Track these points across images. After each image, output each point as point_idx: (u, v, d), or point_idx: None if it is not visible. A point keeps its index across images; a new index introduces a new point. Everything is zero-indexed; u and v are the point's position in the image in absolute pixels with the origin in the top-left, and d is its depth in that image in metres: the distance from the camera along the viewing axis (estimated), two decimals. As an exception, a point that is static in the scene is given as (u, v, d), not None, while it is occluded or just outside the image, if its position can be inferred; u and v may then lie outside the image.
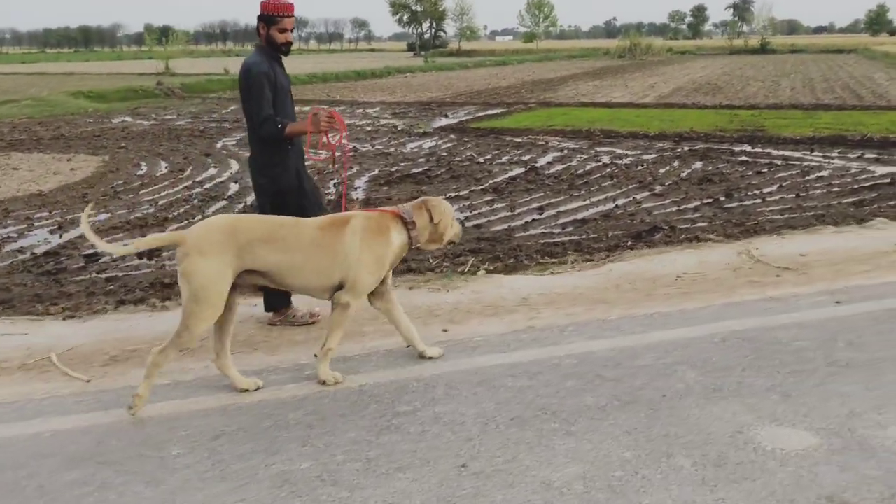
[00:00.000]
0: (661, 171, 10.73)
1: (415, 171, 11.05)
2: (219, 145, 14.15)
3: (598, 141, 13.81)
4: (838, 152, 12.04)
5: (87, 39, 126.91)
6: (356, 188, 9.94)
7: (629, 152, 12.46)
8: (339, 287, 3.84)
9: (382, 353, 4.38)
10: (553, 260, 6.25)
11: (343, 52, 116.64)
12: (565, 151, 12.69)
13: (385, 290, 4.04)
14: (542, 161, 11.79)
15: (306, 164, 4.89)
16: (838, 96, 22.06)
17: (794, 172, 10.37)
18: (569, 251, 6.39)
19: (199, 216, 8.25)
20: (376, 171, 11.04)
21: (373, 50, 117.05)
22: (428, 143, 14.09)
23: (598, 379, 3.96)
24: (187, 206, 8.93)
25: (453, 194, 9.36)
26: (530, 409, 3.63)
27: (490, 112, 19.65)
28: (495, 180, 10.24)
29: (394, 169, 11.17)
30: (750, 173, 10.38)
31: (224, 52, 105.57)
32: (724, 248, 6.52)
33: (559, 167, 11.21)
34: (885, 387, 3.81)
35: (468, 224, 7.81)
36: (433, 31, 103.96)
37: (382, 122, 17.94)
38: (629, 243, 6.78)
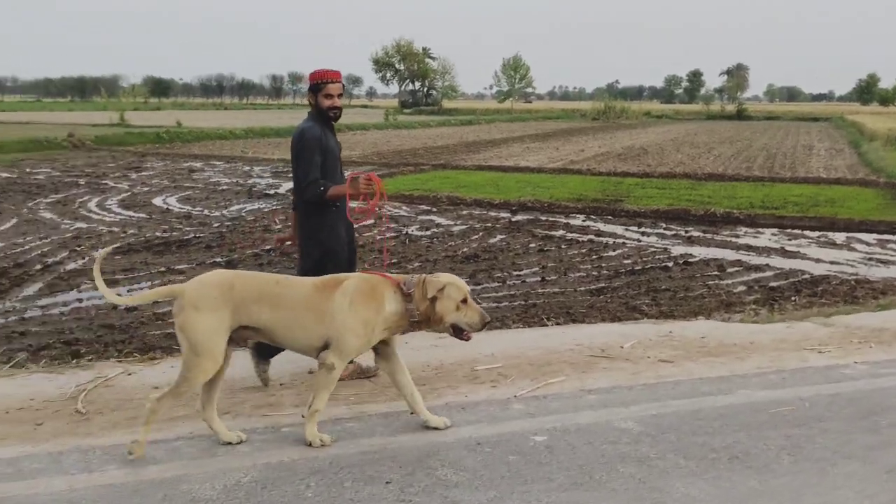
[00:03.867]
0: (448, 244, 9.83)
1: (180, 237, 10.16)
2: (30, 204, 13.32)
3: (437, 209, 12.95)
4: (663, 228, 11.17)
5: (83, 89, 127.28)
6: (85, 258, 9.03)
7: (447, 222, 11.60)
8: (325, 347, 3.77)
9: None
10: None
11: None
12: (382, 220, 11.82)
13: (391, 353, 3.97)
14: (339, 230, 10.90)
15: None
16: (748, 167, 21.27)
17: (583, 251, 9.47)
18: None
19: None
20: (132, 239, 10.10)
21: (365, 106, 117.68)
22: (251, 207, 13.25)
23: None
24: None
25: (182, 266, 8.47)
26: None
27: (376, 173, 18.86)
28: (257, 251, 9.35)
29: (156, 234, 10.31)
30: (537, 250, 9.48)
31: (216, 105, 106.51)
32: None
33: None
34: None
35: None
36: (425, 89, 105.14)
37: (249, 180, 17.22)
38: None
